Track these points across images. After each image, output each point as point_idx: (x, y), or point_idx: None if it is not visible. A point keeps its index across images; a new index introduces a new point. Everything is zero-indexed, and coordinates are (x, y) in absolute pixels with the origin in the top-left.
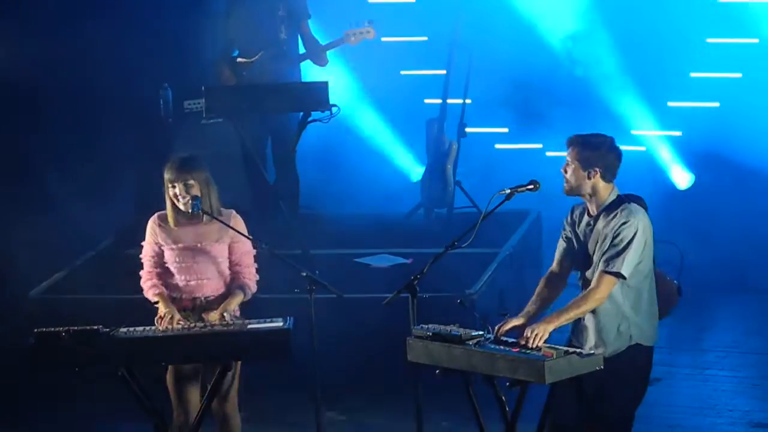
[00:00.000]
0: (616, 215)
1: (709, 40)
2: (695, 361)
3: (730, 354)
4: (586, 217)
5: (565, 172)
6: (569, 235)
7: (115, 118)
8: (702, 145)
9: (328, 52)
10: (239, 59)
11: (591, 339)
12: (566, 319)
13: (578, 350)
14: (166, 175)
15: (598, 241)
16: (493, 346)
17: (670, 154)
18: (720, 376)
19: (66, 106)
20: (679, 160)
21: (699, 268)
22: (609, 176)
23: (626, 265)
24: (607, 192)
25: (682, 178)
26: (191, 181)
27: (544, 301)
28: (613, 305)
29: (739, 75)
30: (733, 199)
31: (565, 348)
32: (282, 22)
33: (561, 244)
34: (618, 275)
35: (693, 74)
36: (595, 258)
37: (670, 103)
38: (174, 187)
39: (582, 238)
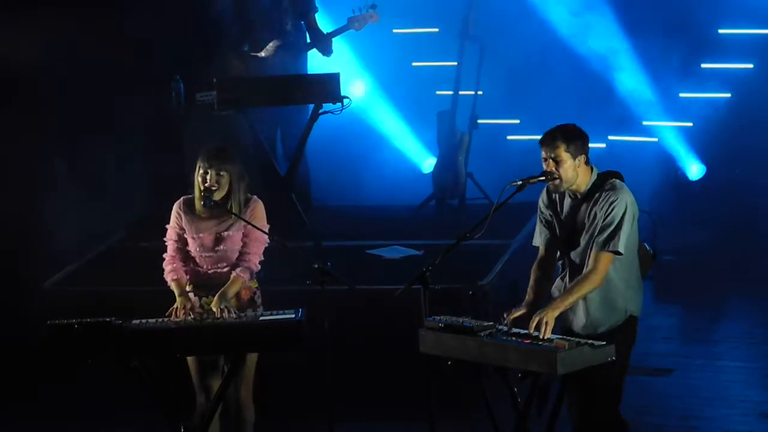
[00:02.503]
0: (602, 194)
1: (721, 31)
2: (707, 352)
3: (742, 345)
4: (569, 200)
5: (554, 170)
6: (548, 218)
7: (127, 111)
8: (713, 136)
9: (335, 43)
10: (248, 51)
11: (581, 317)
12: (570, 302)
13: (590, 341)
14: (201, 161)
15: (586, 222)
16: (505, 338)
17: (681, 145)
18: (732, 367)
19: (79, 98)
20: (690, 151)
21: (710, 259)
22: (588, 159)
23: (622, 242)
24: (588, 174)
25: (693, 169)
26: (223, 172)
27: (541, 288)
28: (606, 281)
29: (750, 66)
30: (744, 190)
31: (577, 339)
32: (287, 13)
33: (542, 230)
34: (616, 253)
35: (704, 65)
36: (584, 239)
37: (682, 94)
38: (206, 173)
39: (564, 219)
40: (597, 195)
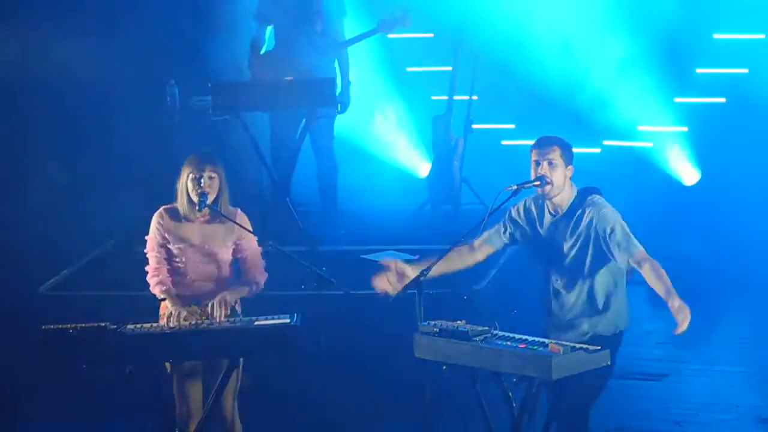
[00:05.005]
0: (586, 210)
1: (716, 36)
2: (702, 356)
3: (737, 350)
4: (548, 215)
5: (547, 174)
6: (524, 227)
7: (122, 115)
8: (708, 141)
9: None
10: (272, 52)
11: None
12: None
13: (585, 346)
14: (189, 167)
15: (568, 238)
16: (499, 343)
17: (676, 150)
18: (727, 372)
19: (73, 103)
20: (685, 156)
21: (706, 264)
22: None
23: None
24: (570, 190)
25: (688, 174)
26: (214, 174)
27: (444, 269)
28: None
29: (745, 71)
30: (739, 195)
31: (572, 344)
32: (318, 15)
33: (499, 229)
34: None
35: (699, 70)
36: (567, 255)
37: (677, 99)
38: (196, 178)
39: (545, 234)
40: (579, 211)
